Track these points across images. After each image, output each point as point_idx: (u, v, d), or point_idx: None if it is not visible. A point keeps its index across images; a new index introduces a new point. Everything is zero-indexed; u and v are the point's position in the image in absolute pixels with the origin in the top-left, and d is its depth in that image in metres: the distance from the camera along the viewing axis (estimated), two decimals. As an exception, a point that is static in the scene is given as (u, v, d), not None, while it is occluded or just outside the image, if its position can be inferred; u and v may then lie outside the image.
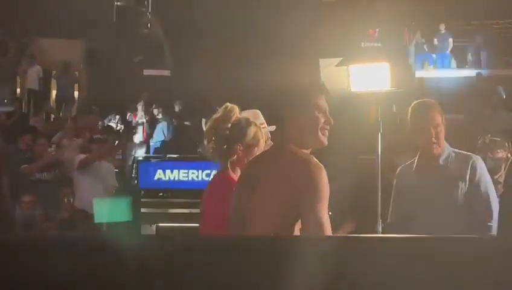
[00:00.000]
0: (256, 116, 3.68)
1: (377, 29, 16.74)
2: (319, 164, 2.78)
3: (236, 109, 3.47)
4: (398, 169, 4.69)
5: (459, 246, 1.86)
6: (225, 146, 3.43)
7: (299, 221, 2.76)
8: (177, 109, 14.91)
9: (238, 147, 3.42)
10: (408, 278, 1.79)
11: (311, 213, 2.70)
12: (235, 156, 3.43)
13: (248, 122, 3.47)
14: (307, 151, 2.88)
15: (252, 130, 3.45)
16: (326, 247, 1.82)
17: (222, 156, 3.47)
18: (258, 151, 3.41)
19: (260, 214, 2.78)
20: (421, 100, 4.58)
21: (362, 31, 15.92)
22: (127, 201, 1.99)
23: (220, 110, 3.46)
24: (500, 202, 4.48)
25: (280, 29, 17.25)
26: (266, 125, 3.63)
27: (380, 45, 14.83)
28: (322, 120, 2.91)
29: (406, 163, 4.64)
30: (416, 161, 4.51)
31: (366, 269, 1.78)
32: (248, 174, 2.96)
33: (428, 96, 14.40)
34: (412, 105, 4.52)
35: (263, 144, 3.48)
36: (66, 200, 8.64)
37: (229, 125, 3.42)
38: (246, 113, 3.59)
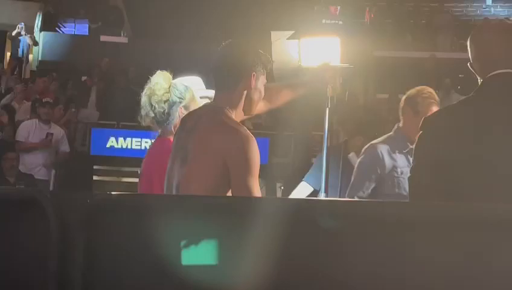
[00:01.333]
0: (195, 82, 3.68)
1: (339, 7, 16.75)
2: (249, 133, 2.78)
3: (168, 74, 3.46)
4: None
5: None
6: (165, 110, 3.42)
7: (229, 190, 2.77)
8: (131, 76, 14.75)
9: (180, 109, 3.41)
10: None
11: (241, 184, 2.71)
12: (178, 119, 3.43)
13: (183, 86, 3.48)
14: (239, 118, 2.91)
15: (189, 93, 3.45)
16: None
17: (163, 121, 3.46)
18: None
19: (192, 187, 2.77)
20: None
21: (324, 8, 15.92)
22: (214, 244, 1.83)
23: (155, 77, 3.44)
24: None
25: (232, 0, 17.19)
26: (205, 90, 3.64)
27: (341, 22, 14.85)
28: (262, 93, 2.95)
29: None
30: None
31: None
32: (180, 141, 2.93)
33: (383, 74, 14.49)
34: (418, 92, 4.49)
35: (197, 104, 3.48)
36: (11, 165, 8.51)
37: (165, 91, 3.40)
38: (186, 80, 3.58)
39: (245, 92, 2.90)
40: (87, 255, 1.84)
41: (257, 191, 2.73)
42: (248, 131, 2.80)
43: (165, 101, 3.40)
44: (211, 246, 1.85)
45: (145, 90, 3.46)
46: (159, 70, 3.48)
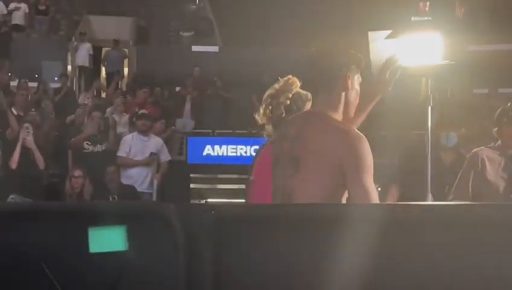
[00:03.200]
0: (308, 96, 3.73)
1: (428, 3, 16.43)
2: (360, 133, 2.76)
3: (297, 82, 3.50)
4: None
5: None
6: (283, 114, 3.44)
7: (346, 193, 2.74)
8: (223, 84, 14.94)
9: None
10: (458, 247, 1.76)
11: (357, 183, 2.68)
12: None
13: (307, 97, 3.51)
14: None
15: (308, 105, 3.47)
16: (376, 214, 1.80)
17: (277, 125, 3.48)
18: None
19: (308, 194, 2.75)
20: None
21: (412, 5, 15.66)
22: (123, 230, 1.96)
23: (282, 81, 3.49)
24: None
25: (328, 2, 17.11)
26: None
27: (430, 18, 14.58)
28: (358, 93, 2.94)
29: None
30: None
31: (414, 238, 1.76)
32: (285, 150, 2.89)
33: (476, 70, 14.13)
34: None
35: None
36: (111, 178, 8.73)
37: (290, 95, 3.44)
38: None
39: (343, 94, 2.89)
40: (215, 267, 1.85)
41: (373, 189, 2.69)
42: (357, 131, 2.78)
43: (284, 107, 3.43)
44: (335, 256, 1.83)
45: (270, 89, 3.50)
46: (289, 76, 3.52)
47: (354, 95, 2.92)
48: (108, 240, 1.92)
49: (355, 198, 2.67)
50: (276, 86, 3.50)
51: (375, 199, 2.69)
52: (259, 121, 3.56)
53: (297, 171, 2.80)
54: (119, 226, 1.91)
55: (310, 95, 3.54)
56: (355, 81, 2.92)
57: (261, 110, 3.51)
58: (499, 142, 4.77)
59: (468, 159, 4.81)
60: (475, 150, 4.81)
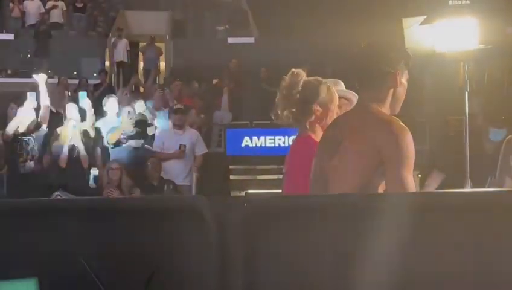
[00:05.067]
0: (336, 83, 3.68)
1: (466, -14, 16.18)
2: (403, 125, 2.74)
3: (302, 73, 3.46)
4: None
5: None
6: (299, 109, 3.42)
7: (383, 183, 2.73)
8: (262, 76, 14.92)
9: (315, 106, 3.41)
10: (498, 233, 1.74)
11: (395, 174, 2.66)
12: (313, 117, 3.42)
13: (318, 81, 3.47)
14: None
15: (323, 88, 3.44)
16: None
17: (299, 120, 3.47)
18: (333, 108, 3.42)
19: (343, 176, 2.76)
20: None
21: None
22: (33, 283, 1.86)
23: (287, 77, 3.45)
24: None
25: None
26: (344, 90, 3.64)
27: (468, 2, 14.34)
28: (405, 88, 2.93)
29: None
30: None
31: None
32: (330, 135, 2.96)
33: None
34: None
35: (336, 102, 3.46)
36: (153, 170, 8.82)
37: (300, 88, 3.41)
38: (328, 82, 3.58)
39: (392, 90, 2.87)
40: (247, 260, 1.87)
41: (411, 184, 2.66)
42: (401, 123, 2.75)
43: (298, 101, 3.41)
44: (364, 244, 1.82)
45: (280, 90, 3.48)
46: (292, 69, 3.48)
47: (402, 91, 2.91)
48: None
49: (392, 189, 2.65)
50: (284, 83, 3.46)
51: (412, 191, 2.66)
52: (281, 124, 3.55)
53: (336, 153, 2.81)
54: (28, 279, 1.90)
55: (319, 78, 3.50)
56: (404, 77, 2.91)
57: (279, 112, 3.46)
58: None
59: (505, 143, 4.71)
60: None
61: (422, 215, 1.78)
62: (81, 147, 8.88)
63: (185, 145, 9.33)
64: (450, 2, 13.96)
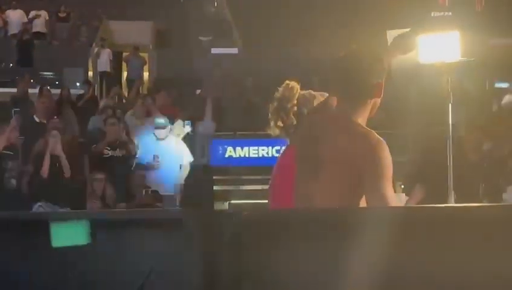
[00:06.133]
0: (323, 96, 3.70)
1: (447, -3, 16.32)
2: (380, 138, 2.74)
3: (297, 85, 3.47)
4: None
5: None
6: (295, 122, 3.43)
7: (364, 198, 2.73)
8: (248, 86, 14.96)
9: None
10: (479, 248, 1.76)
11: (375, 188, 2.66)
12: None
13: (312, 95, 3.48)
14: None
15: (318, 101, 3.45)
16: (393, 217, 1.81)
17: (290, 133, 3.48)
18: None
19: (327, 198, 2.75)
20: None
21: (431, 1, 15.56)
22: (85, 224, 1.96)
23: (282, 89, 3.45)
24: None
25: (345, 2, 17.06)
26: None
27: (450, 14, 14.46)
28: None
29: None
30: None
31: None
32: (305, 153, 2.91)
33: (498, 64, 13.98)
34: None
35: None
36: (136, 180, 8.80)
37: (295, 101, 3.41)
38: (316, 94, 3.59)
39: (373, 100, 2.87)
40: (235, 273, 1.87)
41: (391, 196, 2.67)
42: (377, 135, 2.76)
43: (293, 113, 3.42)
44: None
45: (273, 102, 3.48)
46: (286, 81, 3.49)
47: (380, 99, 2.91)
48: (71, 234, 1.92)
49: (373, 204, 2.66)
50: (278, 94, 3.47)
51: (394, 205, 2.67)
52: (273, 134, 3.56)
53: (317, 176, 2.80)
54: (81, 221, 1.92)
55: (312, 92, 3.51)
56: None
57: (272, 124, 3.48)
58: None
59: None
60: None
61: (406, 229, 1.79)
62: (62, 156, 8.78)
63: (157, 156, 9.33)
64: (432, 13, 14.09)
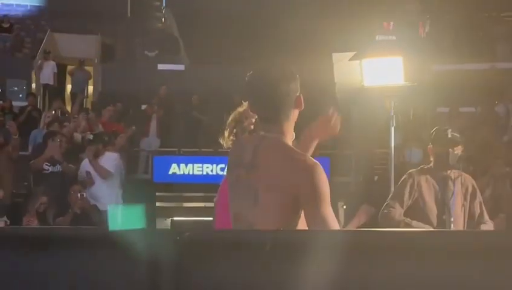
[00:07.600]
0: None
1: (392, 22, 16.63)
2: (315, 161, 2.71)
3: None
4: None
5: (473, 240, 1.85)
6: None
7: (303, 220, 2.72)
8: (194, 103, 14.95)
9: None
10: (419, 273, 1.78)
11: (315, 211, 2.65)
12: None
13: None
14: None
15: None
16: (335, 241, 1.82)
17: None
18: None
19: (267, 223, 2.72)
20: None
21: (377, 24, 15.85)
22: (141, 208, 1.97)
23: (245, 105, 3.41)
24: None
25: (292, 24, 17.24)
26: None
27: (394, 38, 14.75)
28: None
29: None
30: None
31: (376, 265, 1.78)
32: (239, 180, 2.82)
33: (443, 90, 14.31)
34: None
35: None
36: (78, 195, 8.64)
37: (253, 120, 3.40)
38: None
39: (296, 113, 2.83)
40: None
41: (332, 219, 2.66)
42: (312, 159, 2.73)
43: (249, 132, 3.42)
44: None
45: (234, 114, 3.48)
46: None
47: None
48: (127, 218, 1.90)
49: (314, 227, 2.65)
50: (240, 109, 3.47)
51: (334, 226, 2.68)
52: (225, 145, 3.54)
53: (256, 203, 2.73)
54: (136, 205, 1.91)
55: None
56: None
57: (226, 134, 3.49)
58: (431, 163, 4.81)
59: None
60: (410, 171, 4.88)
61: (354, 253, 1.80)
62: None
63: (89, 172, 9.20)
64: (377, 37, 14.33)
